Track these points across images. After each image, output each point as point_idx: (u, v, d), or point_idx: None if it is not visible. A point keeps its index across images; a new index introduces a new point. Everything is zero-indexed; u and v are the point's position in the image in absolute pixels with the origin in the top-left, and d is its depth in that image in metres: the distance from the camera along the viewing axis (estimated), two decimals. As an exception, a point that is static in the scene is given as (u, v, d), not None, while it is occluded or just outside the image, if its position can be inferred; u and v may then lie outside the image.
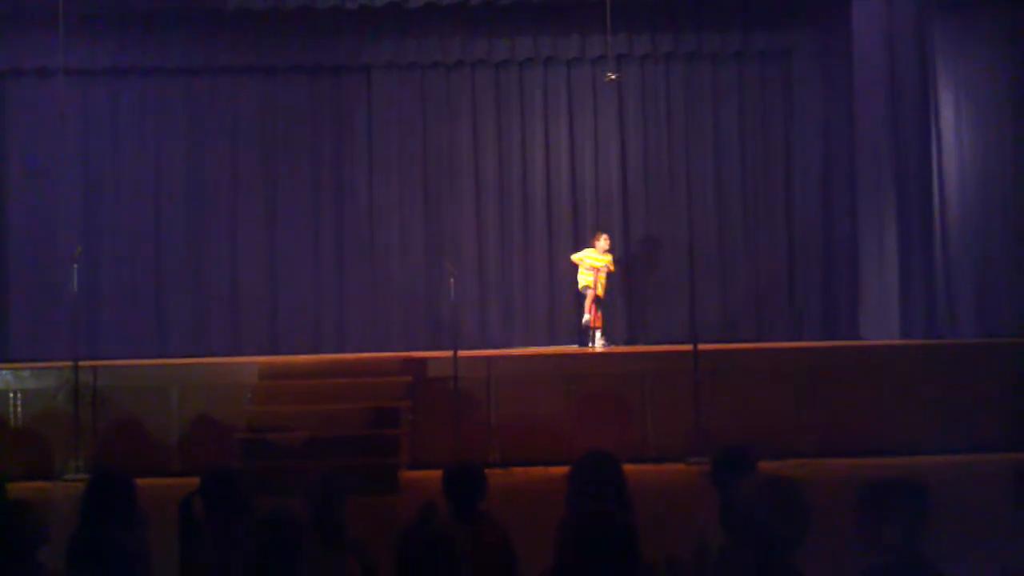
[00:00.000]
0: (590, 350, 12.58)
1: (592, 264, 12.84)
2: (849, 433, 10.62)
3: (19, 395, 10.55)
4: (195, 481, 4.82)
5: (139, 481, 4.60)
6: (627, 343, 13.50)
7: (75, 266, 10.72)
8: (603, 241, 12.92)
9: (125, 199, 13.82)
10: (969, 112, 13.20)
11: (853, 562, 3.47)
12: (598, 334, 12.86)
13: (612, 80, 12.31)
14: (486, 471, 4.80)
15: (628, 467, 4.36)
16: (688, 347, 10.63)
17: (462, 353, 10.48)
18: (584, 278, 12.87)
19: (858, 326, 13.24)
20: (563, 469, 4.39)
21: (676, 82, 14.28)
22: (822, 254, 13.92)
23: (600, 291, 12.84)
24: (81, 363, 10.42)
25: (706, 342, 11.17)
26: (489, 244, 14.13)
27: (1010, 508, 3.81)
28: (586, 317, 12.85)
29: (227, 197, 13.97)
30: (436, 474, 4.85)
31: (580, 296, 13.04)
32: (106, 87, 13.88)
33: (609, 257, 12.95)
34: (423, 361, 11.12)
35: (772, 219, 14.16)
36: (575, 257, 13.08)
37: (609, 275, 12.98)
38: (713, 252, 13.93)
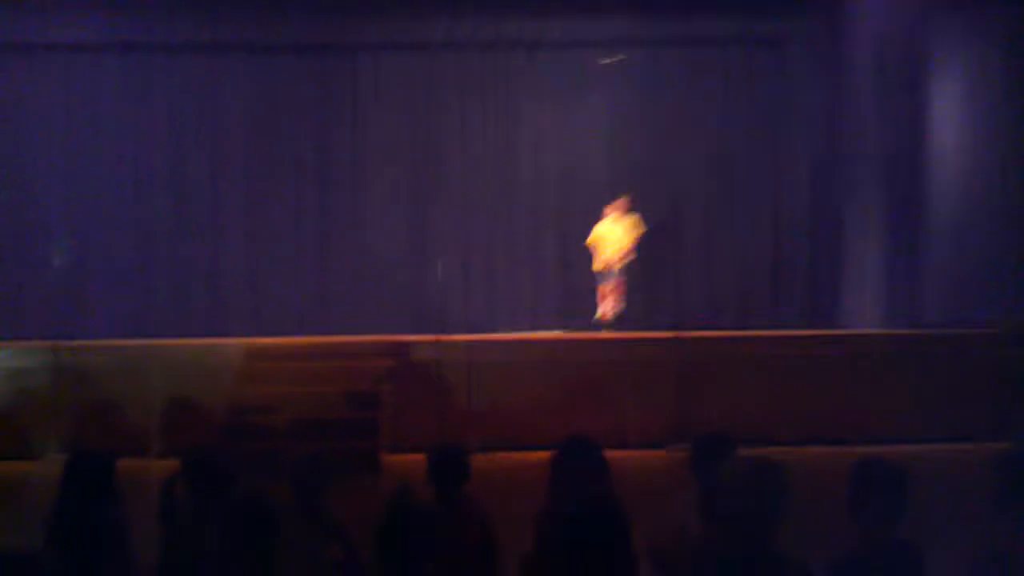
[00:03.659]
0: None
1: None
2: (830, 421, 10.64)
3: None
4: (176, 463, 4.80)
5: (119, 461, 4.58)
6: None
7: (58, 245, 10.66)
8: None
9: (108, 177, 13.72)
10: (963, 99, 13.16)
11: (835, 547, 3.49)
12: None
13: (607, 64, 12.26)
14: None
15: (609, 453, 4.36)
16: (671, 334, 10.64)
17: (444, 337, 10.46)
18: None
19: (840, 314, 13.27)
20: (545, 454, 4.39)
21: (668, 67, 14.25)
22: (808, 242, 13.97)
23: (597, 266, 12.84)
24: (62, 343, 10.35)
25: (690, 329, 11.17)
26: (476, 229, 14.13)
27: (988, 497, 3.83)
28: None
29: (211, 178, 13.91)
30: (419, 457, 4.83)
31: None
32: (90, 62, 13.76)
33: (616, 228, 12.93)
34: (406, 344, 11.11)
35: (759, 206, 14.18)
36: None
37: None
38: (699, 238, 13.95)
